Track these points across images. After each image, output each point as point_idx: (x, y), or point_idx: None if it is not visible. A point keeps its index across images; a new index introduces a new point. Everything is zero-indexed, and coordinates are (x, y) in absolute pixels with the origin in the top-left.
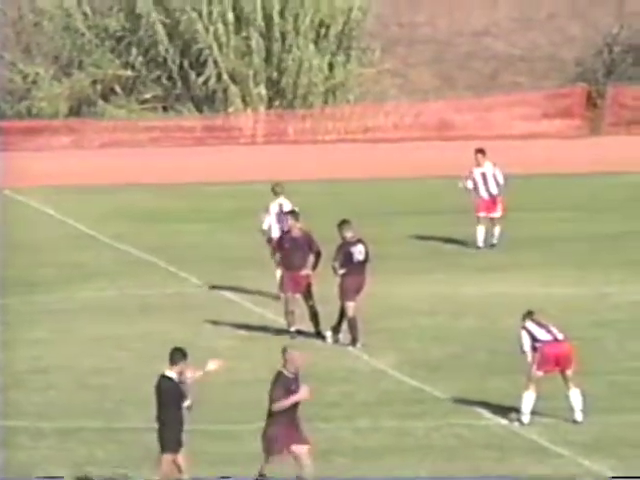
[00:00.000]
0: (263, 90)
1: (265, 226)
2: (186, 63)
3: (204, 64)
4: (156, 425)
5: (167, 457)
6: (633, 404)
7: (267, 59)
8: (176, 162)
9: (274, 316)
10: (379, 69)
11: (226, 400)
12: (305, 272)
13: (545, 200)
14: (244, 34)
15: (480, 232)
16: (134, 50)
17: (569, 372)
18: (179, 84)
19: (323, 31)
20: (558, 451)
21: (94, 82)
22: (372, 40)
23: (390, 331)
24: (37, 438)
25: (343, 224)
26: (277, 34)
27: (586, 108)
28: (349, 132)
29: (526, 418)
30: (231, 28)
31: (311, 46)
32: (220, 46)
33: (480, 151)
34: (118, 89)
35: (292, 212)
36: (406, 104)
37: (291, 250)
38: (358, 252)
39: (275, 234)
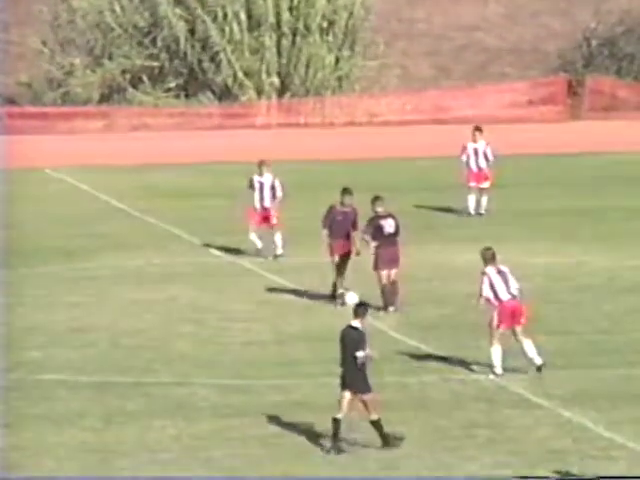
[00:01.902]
0: (276, 80)
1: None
2: (205, 58)
3: (220, 62)
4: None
5: (346, 394)
6: (607, 361)
7: (278, 54)
8: (197, 144)
9: (286, 282)
10: (381, 61)
11: (243, 358)
12: (347, 241)
13: (530, 178)
14: (256, 33)
15: (471, 200)
16: (158, 44)
17: (519, 327)
18: (199, 76)
19: (330, 28)
20: (540, 403)
21: (123, 72)
22: (375, 35)
23: None
24: (74, 391)
25: (375, 200)
26: (287, 31)
27: (567, 96)
28: (355, 118)
29: (499, 370)
30: (244, 27)
31: (319, 42)
32: (235, 46)
33: (477, 129)
34: (145, 78)
35: (347, 190)
36: (405, 92)
37: (342, 222)
38: (388, 225)
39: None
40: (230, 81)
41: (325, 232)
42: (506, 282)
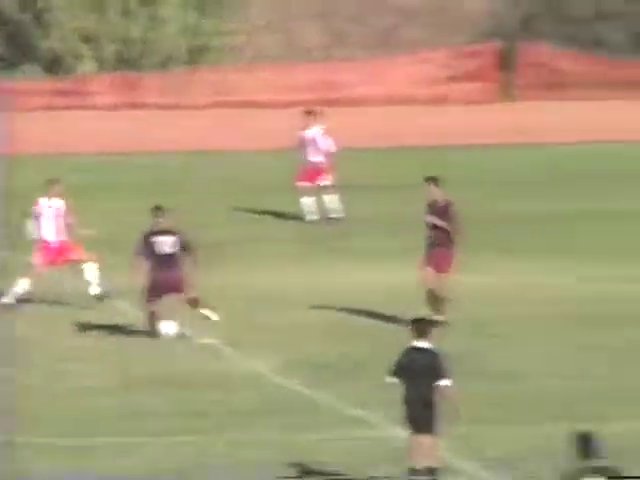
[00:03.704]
0: (117, 49)
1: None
2: (27, 18)
3: (48, 21)
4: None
5: (422, 438)
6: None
7: (122, 15)
8: (17, 129)
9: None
10: (254, 25)
11: (77, 409)
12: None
13: (450, 175)
14: None
15: (306, 204)
16: None
17: None
18: (21, 43)
19: None
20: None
21: None
22: None
23: None
24: None
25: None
26: None
27: (497, 69)
28: (218, 97)
29: None
30: None
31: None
32: (68, 1)
33: (309, 112)
34: None
35: (433, 178)
36: (286, 65)
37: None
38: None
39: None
40: (60, 46)
41: None
42: None
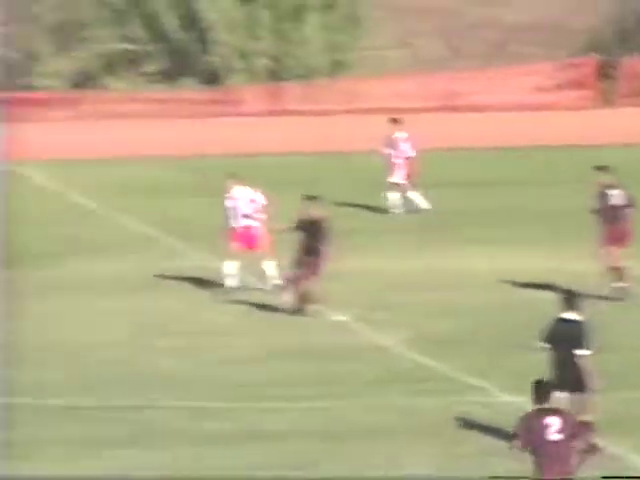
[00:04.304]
0: (268, 63)
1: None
2: (190, 37)
3: (208, 39)
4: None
5: (564, 395)
6: None
7: (272, 33)
8: (178, 134)
9: (271, 295)
10: (385, 40)
11: (221, 377)
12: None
13: (555, 173)
14: (249, 7)
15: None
16: (136, 23)
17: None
18: (182, 58)
19: (329, 3)
20: None
21: (96, 56)
22: (378, 10)
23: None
24: (35, 415)
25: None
26: (284, 8)
27: (598, 79)
28: (353, 105)
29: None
30: (236, 1)
31: (317, 19)
32: (225, 21)
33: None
34: (120, 63)
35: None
36: (412, 76)
37: (616, 207)
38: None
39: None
40: (218, 60)
41: None
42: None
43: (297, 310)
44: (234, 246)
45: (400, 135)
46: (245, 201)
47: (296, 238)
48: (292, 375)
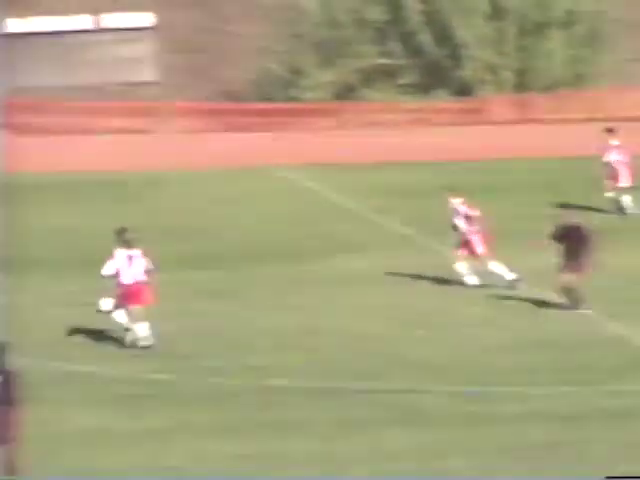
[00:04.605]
0: (512, 76)
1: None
2: (442, 52)
3: (461, 55)
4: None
5: None
6: None
7: (518, 50)
8: (433, 141)
9: (526, 286)
10: (624, 53)
11: (477, 364)
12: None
13: None
14: (498, 24)
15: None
16: (394, 40)
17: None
18: (435, 71)
19: (571, 20)
20: None
21: (356, 70)
22: (616, 25)
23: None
24: (300, 397)
25: None
26: (529, 24)
27: None
28: (595, 113)
29: None
30: (486, 19)
31: (560, 34)
32: (476, 38)
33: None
34: (378, 76)
35: None
36: None
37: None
38: None
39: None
40: (468, 74)
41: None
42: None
43: (572, 306)
44: (461, 252)
45: (613, 142)
46: (457, 214)
47: (557, 246)
48: (537, 362)
